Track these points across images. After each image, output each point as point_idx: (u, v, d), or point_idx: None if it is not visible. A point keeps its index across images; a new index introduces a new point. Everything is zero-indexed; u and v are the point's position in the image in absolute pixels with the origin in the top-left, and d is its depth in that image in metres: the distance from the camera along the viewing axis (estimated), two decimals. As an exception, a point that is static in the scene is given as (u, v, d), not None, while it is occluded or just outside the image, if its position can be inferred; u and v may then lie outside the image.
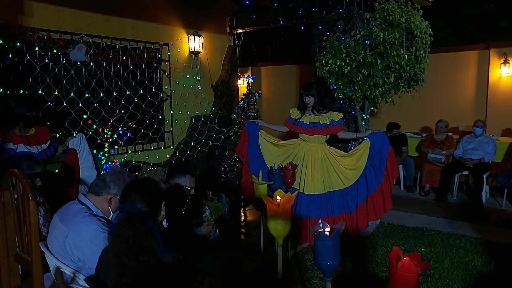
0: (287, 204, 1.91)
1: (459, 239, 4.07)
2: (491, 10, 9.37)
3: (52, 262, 1.94)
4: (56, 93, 4.66)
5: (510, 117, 6.91)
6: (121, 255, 1.49)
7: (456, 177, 5.68)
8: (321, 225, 1.75)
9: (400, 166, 6.00)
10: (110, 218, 2.05)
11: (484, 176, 5.39)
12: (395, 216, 4.76)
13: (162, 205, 1.81)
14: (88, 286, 1.76)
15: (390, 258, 1.49)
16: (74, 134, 4.41)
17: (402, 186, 6.18)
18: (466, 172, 5.67)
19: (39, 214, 2.61)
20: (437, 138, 6.10)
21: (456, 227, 4.48)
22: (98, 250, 1.71)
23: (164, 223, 1.84)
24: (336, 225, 1.73)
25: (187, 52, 6.13)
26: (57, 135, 4.56)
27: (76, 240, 1.87)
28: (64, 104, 4.73)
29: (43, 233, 2.53)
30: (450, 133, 6.24)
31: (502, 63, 6.88)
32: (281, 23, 5.32)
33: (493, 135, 6.16)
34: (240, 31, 6.71)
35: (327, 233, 1.68)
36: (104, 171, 4.64)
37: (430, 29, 3.96)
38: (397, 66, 3.84)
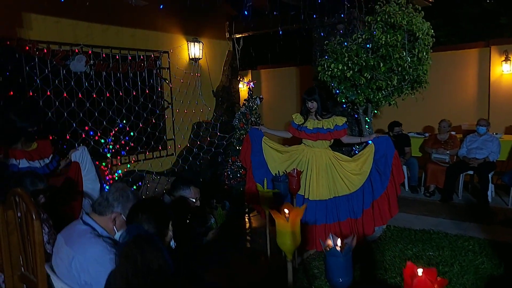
0: (296, 218, 1.88)
1: (467, 241, 4.03)
2: (490, 8, 9.34)
3: (58, 285, 1.91)
4: (57, 104, 4.63)
5: (513, 114, 6.88)
6: (130, 277, 1.46)
7: (461, 177, 5.64)
8: (332, 240, 1.71)
9: (404, 167, 5.96)
10: (115, 237, 2.01)
11: (490, 175, 5.35)
12: (401, 218, 4.72)
13: (170, 225, 1.77)
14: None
15: (405, 274, 1.45)
16: (76, 146, 4.39)
17: (406, 187, 6.14)
18: (471, 172, 5.63)
19: (43, 231, 2.57)
20: (441, 138, 6.07)
21: (463, 228, 4.44)
22: (105, 271, 1.67)
23: (172, 243, 1.80)
24: (347, 240, 1.69)
25: (187, 59, 6.11)
26: (63, 147, 4.53)
27: (82, 261, 1.84)
28: (65, 115, 4.70)
29: (48, 251, 2.49)
30: (453, 132, 6.20)
31: (503, 61, 6.84)
32: (281, 28, 5.28)
33: (496, 133, 6.13)
34: (240, 35, 6.69)
35: (338, 248, 1.64)
36: (106, 183, 4.61)
37: (432, 31, 3.93)
38: (400, 69, 3.81)
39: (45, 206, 2.80)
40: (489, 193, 5.33)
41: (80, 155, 3.48)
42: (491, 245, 3.88)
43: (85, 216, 2.03)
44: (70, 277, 1.87)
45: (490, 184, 5.35)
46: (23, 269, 2.30)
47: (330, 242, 1.72)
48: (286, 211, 1.91)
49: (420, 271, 1.42)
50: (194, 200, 2.94)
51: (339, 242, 1.68)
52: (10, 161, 3.19)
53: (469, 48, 7.39)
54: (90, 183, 3.52)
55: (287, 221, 1.88)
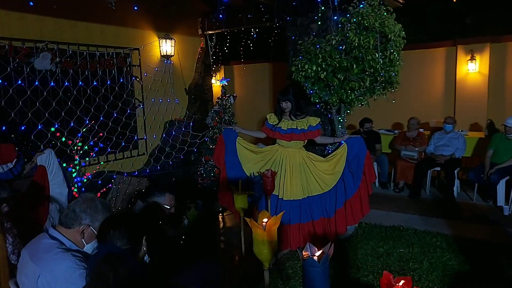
0: (273, 227, 1.87)
1: (435, 237, 4.16)
2: (456, 7, 9.62)
3: (24, 303, 1.81)
4: (21, 104, 4.41)
5: (477, 112, 7.14)
6: None
7: (429, 173, 5.82)
8: (309, 250, 1.70)
9: (375, 164, 6.09)
10: (84, 250, 1.93)
11: (455, 172, 5.54)
12: (372, 215, 4.77)
13: (143, 240, 1.72)
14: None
15: (382, 283, 1.47)
16: (42, 148, 4.20)
17: (377, 183, 6.27)
18: (438, 168, 5.82)
19: (7, 242, 2.45)
20: (410, 135, 6.23)
21: (431, 224, 4.58)
22: (75, 288, 1.61)
23: (146, 257, 1.74)
24: (325, 249, 1.69)
25: (159, 56, 5.97)
26: (28, 148, 4.33)
27: (50, 279, 1.75)
28: (29, 115, 4.49)
29: (12, 261, 2.38)
30: (421, 130, 6.38)
31: (469, 60, 7.08)
32: (254, 25, 5.24)
33: (462, 131, 6.35)
34: (212, 32, 6.60)
35: (316, 258, 1.64)
36: (75, 187, 4.45)
37: (404, 32, 4.00)
38: (372, 70, 3.85)
39: (9, 212, 2.66)
40: (455, 188, 5.52)
41: (47, 158, 3.32)
42: (457, 241, 4.03)
43: (52, 230, 1.93)
44: (37, 296, 1.78)
45: (456, 180, 5.55)
46: (-15, 284, 2.18)
47: (307, 252, 1.72)
48: (264, 220, 1.90)
49: (399, 282, 1.44)
50: (169, 207, 2.87)
51: (317, 252, 1.67)
52: (-30, 167, 3.02)
53: (437, 47, 7.60)
54: (57, 188, 3.38)
55: (264, 230, 1.86)
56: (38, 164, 3.34)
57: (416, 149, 6.05)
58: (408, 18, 9.36)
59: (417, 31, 9.78)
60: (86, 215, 1.93)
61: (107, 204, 2.06)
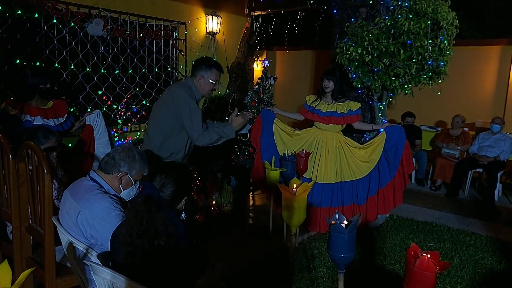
0: (303, 194, 1.89)
1: (469, 236, 4.03)
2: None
3: (64, 237, 1.95)
4: (72, 67, 4.64)
5: (530, 115, 6.75)
6: (134, 235, 1.47)
7: (469, 173, 5.60)
8: (337, 217, 1.72)
9: (413, 159, 5.91)
10: (121, 195, 2.05)
11: (498, 175, 5.30)
12: (405, 209, 4.73)
13: (183, 200, 1.77)
14: (100, 263, 1.77)
15: (408, 254, 1.46)
16: (89, 110, 4.41)
17: (413, 179, 6.12)
18: (479, 169, 5.59)
19: (53, 187, 2.62)
20: (453, 133, 6.01)
21: (466, 224, 4.44)
22: (111, 227, 1.71)
23: (183, 214, 1.81)
24: (353, 218, 1.70)
25: (204, 32, 6.05)
26: (72, 109, 4.57)
27: (88, 217, 1.88)
28: (79, 78, 4.72)
29: (56, 205, 2.54)
30: (466, 129, 6.13)
31: (526, 60, 6.68)
32: (302, 7, 5.18)
33: (510, 133, 6.04)
34: (259, 13, 6.60)
35: (343, 225, 1.65)
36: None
37: (457, 21, 3.83)
38: (419, 58, 3.73)
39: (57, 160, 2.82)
40: (496, 192, 5.29)
41: (95, 119, 3.50)
42: (493, 243, 3.88)
43: (92, 173, 2.07)
44: (76, 231, 1.91)
45: (498, 183, 5.31)
46: (30, 221, 2.35)
47: (335, 220, 1.73)
48: (294, 185, 1.92)
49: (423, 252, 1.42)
50: (214, 83, 2.98)
51: (345, 219, 1.68)
52: (25, 117, 3.22)
53: (491, 44, 7.21)
54: (101, 147, 3.54)
55: (294, 195, 1.89)
56: (86, 123, 3.52)
57: (458, 147, 5.83)
58: (463, 13, 8.91)
59: (471, 27, 9.32)
60: (124, 163, 2.04)
61: (144, 154, 2.16)
